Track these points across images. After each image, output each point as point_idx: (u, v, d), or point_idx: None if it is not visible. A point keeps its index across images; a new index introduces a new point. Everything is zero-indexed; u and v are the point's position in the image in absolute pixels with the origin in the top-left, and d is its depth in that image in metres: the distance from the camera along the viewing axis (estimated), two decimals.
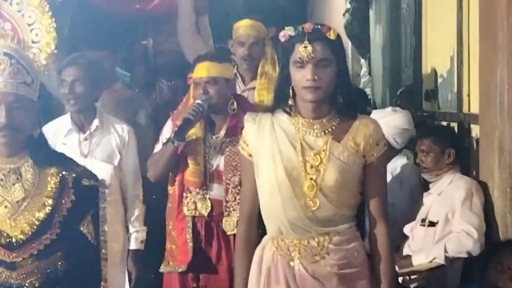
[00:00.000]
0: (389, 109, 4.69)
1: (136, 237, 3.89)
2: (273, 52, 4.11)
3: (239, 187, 3.47)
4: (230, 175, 3.55)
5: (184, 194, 3.61)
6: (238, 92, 4.39)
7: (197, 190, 3.58)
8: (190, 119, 3.47)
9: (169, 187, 3.72)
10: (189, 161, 3.59)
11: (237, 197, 3.49)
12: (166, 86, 4.77)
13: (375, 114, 4.10)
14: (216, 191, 3.59)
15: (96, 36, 4.86)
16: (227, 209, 3.55)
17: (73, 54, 3.96)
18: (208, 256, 3.58)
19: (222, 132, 3.62)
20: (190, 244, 3.56)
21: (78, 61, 3.83)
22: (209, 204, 3.58)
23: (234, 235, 3.47)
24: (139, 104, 4.64)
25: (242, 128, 3.50)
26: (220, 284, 3.55)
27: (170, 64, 4.87)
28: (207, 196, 3.59)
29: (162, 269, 3.68)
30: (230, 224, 3.54)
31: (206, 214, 3.58)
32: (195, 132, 3.56)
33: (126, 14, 5.08)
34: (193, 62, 3.73)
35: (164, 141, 3.60)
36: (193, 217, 3.59)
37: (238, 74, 4.46)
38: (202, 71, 3.59)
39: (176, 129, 3.51)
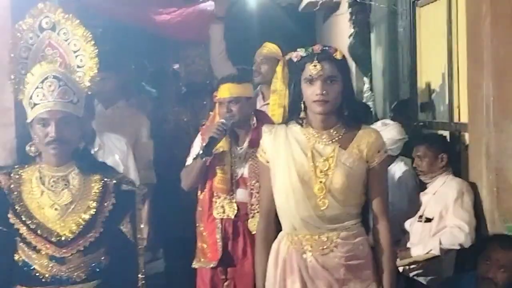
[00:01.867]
0: (379, 123, 4.61)
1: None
2: (284, 71, 4.10)
3: None
4: (253, 181, 3.52)
5: (214, 199, 3.59)
6: (258, 106, 4.39)
7: (225, 195, 3.56)
8: (215, 137, 3.46)
9: (199, 193, 3.69)
10: (218, 171, 3.57)
11: None
12: (197, 104, 4.76)
13: None
14: (242, 195, 3.56)
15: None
16: (252, 211, 3.52)
17: None
18: (235, 252, 3.56)
19: (246, 144, 3.60)
20: (220, 243, 3.55)
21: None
22: (235, 207, 3.56)
23: None
24: (140, 120, 4.57)
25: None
26: (245, 277, 3.52)
27: (199, 84, 4.86)
28: (234, 200, 3.57)
29: (194, 264, 3.66)
30: (254, 224, 3.46)
31: (232, 216, 3.56)
32: (222, 145, 3.54)
33: (151, 27, 4.98)
34: (217, 84, 3.72)
35: (194, 156, 3.59)
36: (222, 219, 3.57)
37: (260, 91, 4.47)
38: (225, 92, 3.57)
39: (204, 145, 3.50)
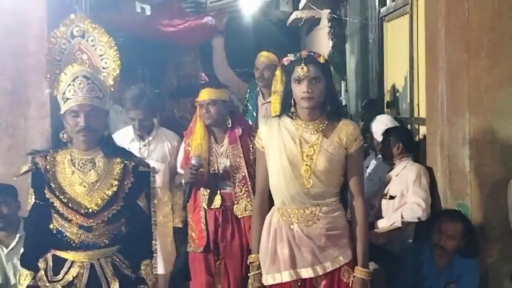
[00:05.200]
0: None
1: (179, 218, 3.72)
2: (282, 74, 4.00)
3: (243, 181, 3.39)
4: (235, 173, 3.41)
5: (200, 192, 3.46)
6: (259, 104, 4.34)
7: (210, 188, 3.44)
8: (192, 182, 3.36)
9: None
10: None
11: (243, 189, 3.39)
12: (188, 102, 4.67)
13: None
14: (227, 186, 3.45)
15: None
16: (236, 198, 3.42)
17: (133, 93, 3.64)
18: (225, 236, 3.45)
19: (225, 141, 3.47)
20: (205, 232, 3.45)
21: (139, 105, 3.60)
22: (220, 198, 3.44)
23: (243, 217, 3.41)
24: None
25: (240, 136, 3.44)
26: (234, 256, 3.44)
27: (190, 85, 4.75)
28: (219, 192, 3.45)
29: (188, 249, 3.56)
30: (239, 209, 3.42)
31: (218, 206, 3.44)
32: (200, 143, 3.42)
33: (160, 37, 4.80)
34: (198, 89, 3.58)
35: (183, 184, 3.43)
36: (210, 209, 3.45)
37: (260, 92, 4.41)
38: (204, 95, 3.46)
39: (186, 192, 3.39)
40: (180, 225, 3.72)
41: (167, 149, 3.74)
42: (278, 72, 3.98)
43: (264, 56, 4.35)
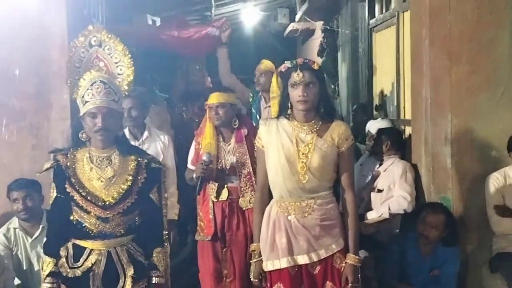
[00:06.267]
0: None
1: (173, 211, 3.68)
2: (278, 81, 3.99)
3: (248, 176, 3.38)
4: (241, 169, 3.41)
5: (209, 185, 3.46)
6: (262, 108, 4.34)
7: (218, 182, 3.44)
8: (203, 176, 3.36)
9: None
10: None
11: (248, 183, 3.39)
12: (195, 105, 4.67)
13: None
14: (233, 181, 3.45)
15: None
16: (241, 192, 3.42)
17: None
18: (231, 226, 3.44)
19: (232, 140, 3.47)
20: (212, 222, 3.44)
21: (131, 94, 3.47)
22: (227, 191, 3.43)
23: (248, 209, 3.39)
24: (164, 115, 4.45)
25: (245, 136, 3.44)
26: (239, 243, 3.43)
27: (197, 90, 4.75)
28: (226, 186, 3.44)
29: (196, 237, 3.57)
30: (244, 202, 3.41)
31: (225, 198, 3.44)
32: (210, 142, 3.42)
33: (168, 43, 4.72)
34: (204, 94, 3.57)
35: (193, 177, 3.41)
36: (218, 202, 3.44)
37: (262, 96, 4.41)
38: (214, 99, 3.45)
39: (197, 187, 3.39)
40: (176, 218, 3.71)
41: (159, 147, 3.72)
42: (274, 78, 4.00)
43: (263, 64, 4.38)
